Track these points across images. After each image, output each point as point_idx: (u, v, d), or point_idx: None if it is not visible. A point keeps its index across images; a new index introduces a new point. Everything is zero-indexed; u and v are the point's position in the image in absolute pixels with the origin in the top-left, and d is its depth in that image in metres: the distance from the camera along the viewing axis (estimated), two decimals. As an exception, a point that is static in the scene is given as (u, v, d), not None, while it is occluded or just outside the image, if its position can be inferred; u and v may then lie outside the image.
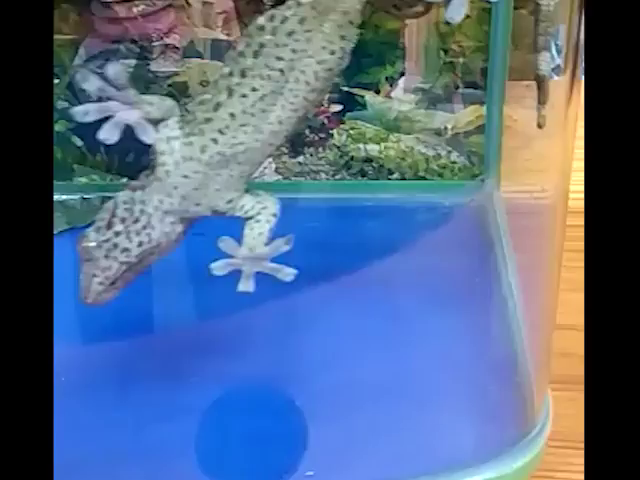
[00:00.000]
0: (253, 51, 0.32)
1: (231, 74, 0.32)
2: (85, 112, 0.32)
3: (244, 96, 0.32)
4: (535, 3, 0.34)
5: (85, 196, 0.55)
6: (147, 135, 0.32)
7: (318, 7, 0.31)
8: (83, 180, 0.56)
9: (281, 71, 0.32)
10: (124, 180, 0.55)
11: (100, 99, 0.32)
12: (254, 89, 0.32)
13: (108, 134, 0.32)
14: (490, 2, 0.34)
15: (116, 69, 0.31)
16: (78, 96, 0.53)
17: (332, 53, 0.32)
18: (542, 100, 0.35)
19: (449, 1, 0.31)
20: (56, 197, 0.53)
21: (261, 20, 0.32)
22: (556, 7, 0.34)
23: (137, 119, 0.32)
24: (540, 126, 0.36)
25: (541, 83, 0.35)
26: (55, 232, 0.49)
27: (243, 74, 0.32)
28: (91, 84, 0.31)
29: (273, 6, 0.32)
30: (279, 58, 0.32)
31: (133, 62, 0.54)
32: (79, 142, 0.55)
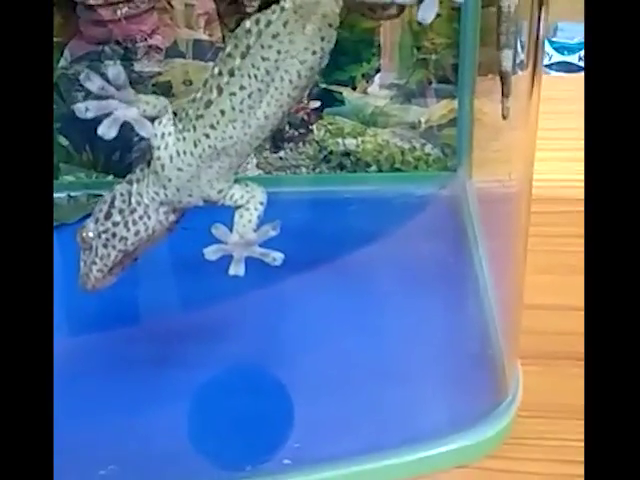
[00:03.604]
0: (241, 52, 0.34)
1: (220, 74, 0.34)
2: (86, 108, 0.33)
3: (233, 94, 0.34)
4: (497, 5, 0.36)
5: (72, 194, 0.56)
6: (145, 130, 0.34)
7: (300, 11, 0.33)
8: (69, 178, 0.57)
9: (267, 70, 0.33)
10: (110, 178, 0.56)
11: (100, 97, 0.34)
12: (242, 87, 0.34)
13: (107, 130, 0.34)
14: (457, 3, 0.36)
15: (116, 70, 0.33)
16: (63, 96, 0.54)
17: (313, 53, 0.33)
18: (506, 93, 0.37)
19: (420, 2, 0.33)
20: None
21: (247, 24, 0.34)
22: (516, 8, 0.36)
23: (134, 116, 0.34)
24: (504, 117, 0.37)
25: (504, 78, 0.37)
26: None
27: (232, 74, 0.34)
28: (93, 83, 0.33)
29: (259, 9, 0.34)
30: (265, 59, 0.33)
31: (117, 63, 0.55)
32: (65, 141, 0.55)
